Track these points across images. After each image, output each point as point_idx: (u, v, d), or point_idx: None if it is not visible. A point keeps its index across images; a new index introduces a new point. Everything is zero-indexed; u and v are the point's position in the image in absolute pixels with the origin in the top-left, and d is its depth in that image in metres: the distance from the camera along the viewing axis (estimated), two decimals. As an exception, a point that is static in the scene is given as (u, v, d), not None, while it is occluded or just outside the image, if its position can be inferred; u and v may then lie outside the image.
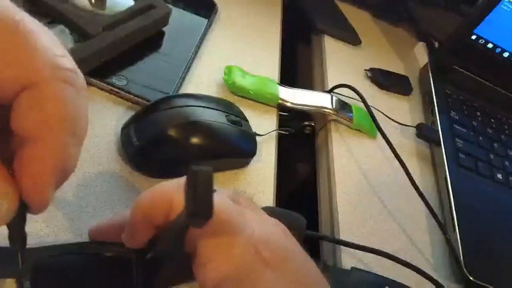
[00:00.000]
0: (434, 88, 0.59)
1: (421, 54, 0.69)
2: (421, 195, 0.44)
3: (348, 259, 0.39)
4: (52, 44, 0.18)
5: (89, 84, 0.38)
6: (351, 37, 0.64)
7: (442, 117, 0.55)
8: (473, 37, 0.60)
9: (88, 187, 0.33)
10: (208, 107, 0.38)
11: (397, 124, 0.54)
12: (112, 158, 0.35)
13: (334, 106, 0.50)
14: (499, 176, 0.53)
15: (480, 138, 0.56)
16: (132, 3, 0.43)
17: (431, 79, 0.60)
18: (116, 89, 0.38)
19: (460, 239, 0.43)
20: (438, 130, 0.53)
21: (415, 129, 0.55)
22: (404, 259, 0.38)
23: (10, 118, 0.17)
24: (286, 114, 0.50)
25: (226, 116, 0.39)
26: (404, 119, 0.56)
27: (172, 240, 0.22)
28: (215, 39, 0.51)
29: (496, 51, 0.61)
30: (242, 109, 0.42)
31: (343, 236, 0.40)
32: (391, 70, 0.62)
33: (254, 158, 0.41)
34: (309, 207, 0.47)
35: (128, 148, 0.35)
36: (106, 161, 0.35)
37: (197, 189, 0.15)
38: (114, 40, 0.39)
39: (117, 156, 0.36)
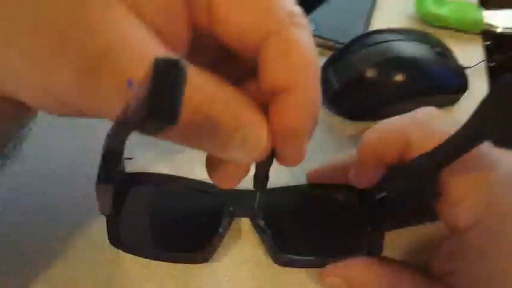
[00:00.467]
0: None
1: None
2: None
3: None
4: None
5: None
6: None
7: None
8: None
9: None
10: (406, 40, 0.34)
11: None
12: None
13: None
14: None
15: None
16: None
17: None
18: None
19: None
20: None
21: None
22: None
23: (258, 69, 0.17)
24: (489, 43, 0.42)
25: (430, 47, 0.34)
26: None
27: (423, 179, 0.20)
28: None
29: None
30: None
31: None
32: None
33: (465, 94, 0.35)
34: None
35: (328, 91, 0.34)
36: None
37: (159, 81, 0.11)
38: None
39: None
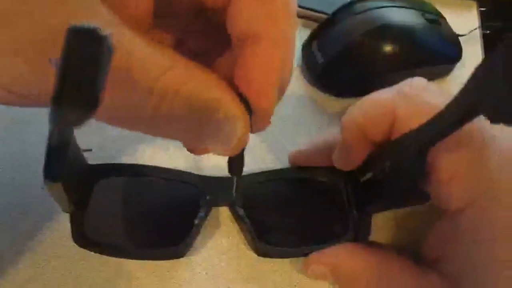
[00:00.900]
0: None
1: None
2: None
3: None
4: None
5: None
6: None
7: None
8: None
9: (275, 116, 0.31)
10: (397, 6, 0.32)
11: None
12: (295, 80, 0.32)
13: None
14: None
15: None
16: None
17: None
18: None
19: None
20: None
21: None
22: None
23: (227, 19, 0.15)
24: (485, 9, 0.40)
25: (422, 14, 0.32)
26: None
27: (412, 158, 0.18)
28: None
29: None
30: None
31: None
32: None
33: (457, 64, 0.33)
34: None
35: (312, 67, 0.32)
36: (290, 84, 0.32)
37: (70, 57, 0.09)
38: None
39: (301, 78, 0.33)
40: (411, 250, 0.23)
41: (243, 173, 0.24)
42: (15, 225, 0.23)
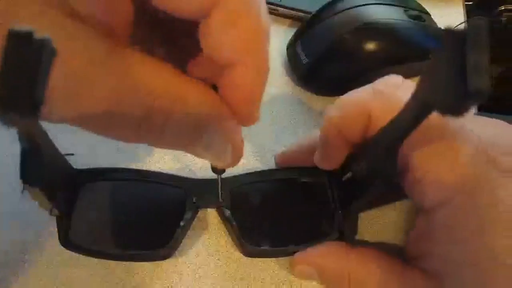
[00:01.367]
0: None
1: None
2: None
3: None
4: None
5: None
6: None
7: None
8: None
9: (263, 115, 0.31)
10: (379, 3, 0.32)
11: None
12: (281, 81, 0.33)
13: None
14: None
15: None
16: None
17: None
18: (273, 7, 0.35)
19: None
20: None
21: None
22: None
23: (202, 42, 0.15)
24: (471, 3, 0.40)
25: (404, 11, 0.32)
26: None
27: (382, 156, 0.18)
28: None
29: None
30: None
31: None
32: None
33: (443, 59, 0.33)
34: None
35: (297, 67, 0.32)
36: (276, 84, 0.33)
37: (9, 59, 0.09)
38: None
39: (287, 78, 0.33)
40: (397, 248, 0.23)
41: (229, 175, 0.24)
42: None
